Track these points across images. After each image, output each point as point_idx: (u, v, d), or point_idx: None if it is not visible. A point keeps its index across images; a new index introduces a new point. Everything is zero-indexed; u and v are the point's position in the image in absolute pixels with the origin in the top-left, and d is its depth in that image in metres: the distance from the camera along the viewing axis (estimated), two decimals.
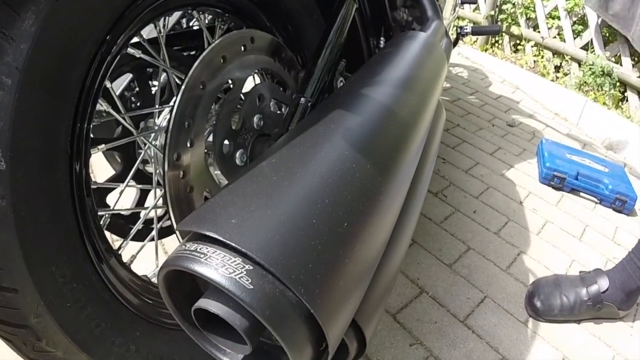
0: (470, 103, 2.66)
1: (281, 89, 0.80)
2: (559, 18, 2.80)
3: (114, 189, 0.83)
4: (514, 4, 3.08)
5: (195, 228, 0.37)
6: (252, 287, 0.33)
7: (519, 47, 3.18)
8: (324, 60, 0.75)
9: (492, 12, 3.24)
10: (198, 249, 0.35)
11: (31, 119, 0.45)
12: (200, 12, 0.77)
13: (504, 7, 3.15)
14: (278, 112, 0.78)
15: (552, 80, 2.88)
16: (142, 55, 0.66)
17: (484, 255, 1.45)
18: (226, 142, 0.66)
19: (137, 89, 0.96)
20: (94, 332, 0.55)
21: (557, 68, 2.94)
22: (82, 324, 0.54)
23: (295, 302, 0.35)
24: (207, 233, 0.36)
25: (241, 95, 0.71)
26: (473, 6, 3.48)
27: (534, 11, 2.94)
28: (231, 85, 0.71)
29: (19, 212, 0.45)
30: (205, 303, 0.35)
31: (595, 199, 1.84)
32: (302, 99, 0.71)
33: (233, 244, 0.34)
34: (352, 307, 0.42)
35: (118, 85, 0.97)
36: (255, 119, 0.71)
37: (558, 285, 1.25)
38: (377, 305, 0.55)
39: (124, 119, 0.68)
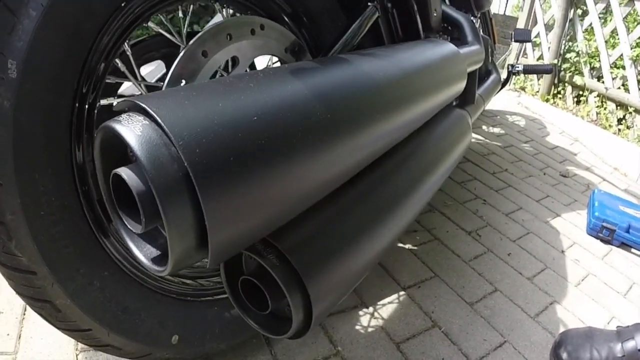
0: (522, 150, 2.55)
1: None
2: (623, 67, 2.66)
3: None
4: (578, 52, 2.98)
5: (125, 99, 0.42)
6: (140, 133, 0.36)
7: (581, 98, 3.04)
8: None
9: (555, 61, 3.15)
10: (120, 116, 0.39)
11: (46, 45, 0.52)
12: (223, 6, 0.82)
13: (568, 55, 3.05)
14: None
15: (614, 133, 2.70)
16: (161, 31, 0.70)
17: (512, 299, 1.33)
18: None
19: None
20: (61, 251, 0.58)
21: (620, 120, 2.77)
22: (51, 238, 0.57)
23: (175, 156, 0.36)
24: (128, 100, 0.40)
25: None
26: (537, 55, 3.40)
27: (599, 60, 2.82)
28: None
29: (19, 117, 0.51)
30: (119, 170, 0.38)
31: None
32: None
33: (139, 103, 0.38)
34: (252, 208, 0.41)
35: (153, 75, 1.04)
36: None
37: (590, 338, 1.11)
38: (335, 287, 0.53)
39: (139, 85, 0.73)
